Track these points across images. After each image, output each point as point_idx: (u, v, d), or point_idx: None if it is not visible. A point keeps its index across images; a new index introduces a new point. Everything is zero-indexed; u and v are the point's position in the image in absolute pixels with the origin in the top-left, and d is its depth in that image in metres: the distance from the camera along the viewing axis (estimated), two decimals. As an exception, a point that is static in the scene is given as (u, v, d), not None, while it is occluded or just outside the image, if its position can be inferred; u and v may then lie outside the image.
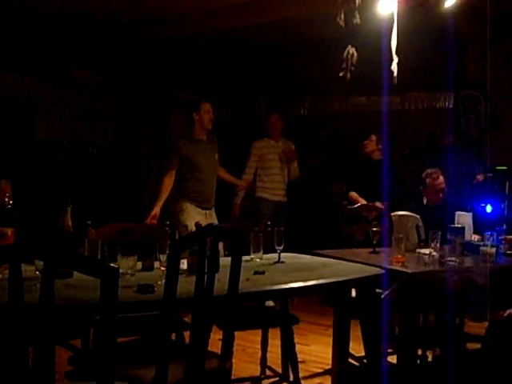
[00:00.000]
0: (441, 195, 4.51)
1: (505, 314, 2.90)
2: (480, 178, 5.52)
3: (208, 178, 5.10)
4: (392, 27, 3.70)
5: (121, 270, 2.55)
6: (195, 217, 4.72)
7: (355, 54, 3.53)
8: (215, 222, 5.00)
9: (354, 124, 6.47)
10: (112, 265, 1.69)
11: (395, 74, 3.71)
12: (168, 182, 4.96)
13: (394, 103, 6.44)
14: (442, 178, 4.51)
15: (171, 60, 6.98)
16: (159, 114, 7.25)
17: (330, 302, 3.95)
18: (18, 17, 5.63)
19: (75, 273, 2.42)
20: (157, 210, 4.84)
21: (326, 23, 4.14)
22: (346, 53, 3.52)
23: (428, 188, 4.52)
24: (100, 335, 1.72)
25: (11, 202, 3.93)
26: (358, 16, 3.52)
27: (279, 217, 5.69)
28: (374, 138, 5.61)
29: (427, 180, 4.51)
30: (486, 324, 4.68)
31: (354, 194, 5.44)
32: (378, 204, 4.90)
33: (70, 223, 2.59)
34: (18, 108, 6.03)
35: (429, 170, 4.58)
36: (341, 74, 3.58)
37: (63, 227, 2.55)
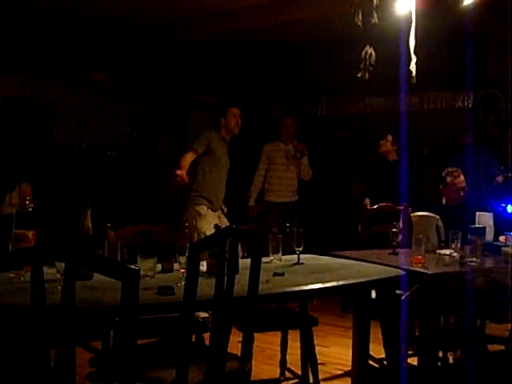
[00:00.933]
0: (462, 193, 4.46)
1: None
2: (500, 179, 5.46)
3: (222, 178, 5.10)
4: (410, 26, 3.67)
5: (140, 272, 2.57)
6: (211, 220, 4.71)
7: (373, 54, 3.51)
8: (227, 222, 5.00)
9: (372, 125, 6.44)
10: (135, 267, 1.69)
11: (414, 73, 3.68)
12: (189, 158, 4.86)
13: (412, 103, 6.41)
14: (462, 177, 4.47)
15: (188, 62, 7.00)
16: (177, 115, 7.27)
17: (350, 304, 3.93)
18: (35, 21, 5.68)
19: (95, 275, 2.44)
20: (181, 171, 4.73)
21: (343, 24, 4.13)
22: (363, 53, 3.50)
23: (448, 187, 4.47)
24: (120, 337, 1.73)
25: (32, 205, 3.96)
26: (375, 16, 3.51)
27: (290, 217, 5.66)
28: (390, 137, 5.59)
29: (448, 178, 4.47)
30: (509, 326, 4.64)
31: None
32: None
33: (90, 225, 2.60)
34: (36, 111, 6.08)
35: (449, 169, 4.54)
36: (359, 75, 3.57)
37: (83, 229, 2.56)
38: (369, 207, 4.50)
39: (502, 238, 3.91)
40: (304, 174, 5.97)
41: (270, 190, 5.86)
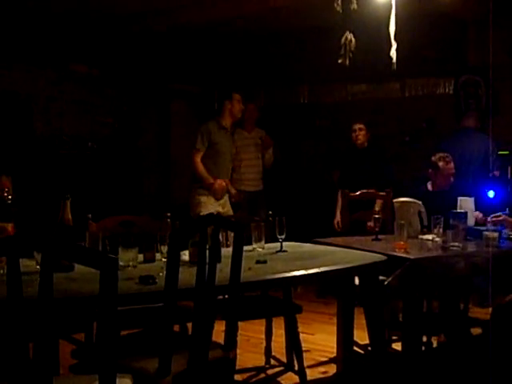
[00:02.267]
0: (452, 179, 4.43)
1: (507, 299, 2.88)
2: (497, 173, 5.45)
3: (226, 167, 5.25)
4: (390, 12, 3.67)
5: (122, 263, 2.56)
6: (212, 209, 4.79)
7: (353, 40, 3.50)
8: (230, 210, 5.14)
9: (354, 112, 6.43)
10: (112, 256, 1.67)
11: (394, 60, 3.68)
12: (200, 162, 5.07)
13: (393, 90, 6.41)
14: (453, 164, 4.42)
15: (169, 52, 6.94)
16: (158, 106, 7.22)
17: (325, 291, 3.94)
18: (14, 12, 5.59)
19: (77, 266, 2.42)
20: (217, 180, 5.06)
21: (324, 10, 4.11)
22: (343, 39, 3.49)
23: (439, 172, 4.40)
24: (102, 327, 1.71)
25: (11, 197, 3.91)
26: (355, 1, 3.50)
27: (257, 206, 5.66)
28: (359, 125, 5.59)
29: (440, 164, 4.38)
30: (491, 309, 4.69)
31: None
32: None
33: (70, 217, 2.57)
34: (15, 103, 6.00)
35: (441, 154, 4.45)
36: (339, 61, 3.56)
37: (63, 221, 2.53)
38: (351, 194, 4.50)
39: (477, 215, 3.94)
40: (267, 163, 5.97)
41: (237, 178, 5.83)
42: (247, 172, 5.85)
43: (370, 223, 3.93)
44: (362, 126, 5.57)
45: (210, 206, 5.00)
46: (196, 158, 5.07)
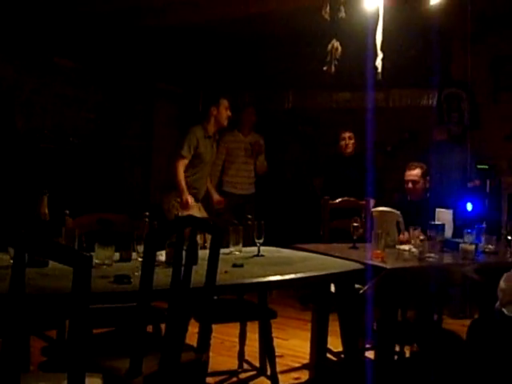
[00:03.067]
0: (410, 186, 4.45)
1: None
2: (477, 182, 5.50)
3: (206, 173, 5.18)
4: (377, 23, 3.69)
5: (98, 261, 2.54)
6: (192, 211, 4.75)
7: (339, 48, 3.52)
8: (205, 214, 5.10)
9: (338, 120, 6.46)
10: (86, 254, 1.66)
11: (379, 69, 3.71)
12: (182, 171, 4.92)
13: (378, 99, 6.44)
14: (417, 171, 4.45)
15: (155, 51, 6.92)
16: (142, 104, 7.19)
17: (308, 298, 3.93)
18: (-1, 3, 5.54)
19: (51, 262, 2.39)
20: (188, 197, 4.92)
21: (311, 16, 4.13)
22: (330, 46, 3.51)
23: (404, 179, 4.51)
24: (73, 325, 1.69)
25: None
26: (343, 10, 3.52)
27: (245, 210, 5.61)
28: (347, 134, 5.61)
29: (406, 170, 4.51)
30: (465, 321, 4.73)
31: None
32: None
33: (47, 211, 2.55)
34: (-3, 95, 5.94)
35: (411, 162, 4.57)
36: (325, 68, 3.58)
37: (39, 215, 2.51)
38: (330, 201, 4.51)
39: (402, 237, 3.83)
40: (259, 170, 5.96)
41: (227, 181, 5.82)
42: (237, 175, 5.84)
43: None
44: (351, 134, 5.60)
45: (191, 208, 4.91)
46: (179, 165, 4.91)
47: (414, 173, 4.45)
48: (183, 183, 4.92)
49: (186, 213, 4.76)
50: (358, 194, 4.77)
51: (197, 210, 4.92)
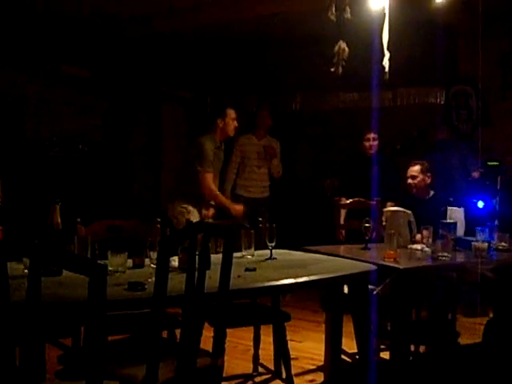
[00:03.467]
0: (409, 181, 4.56)
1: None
2: (476, 174, 5.49)
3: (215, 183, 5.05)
4: (383, 22, 3.68)
5: (111, 268, 2.54)
6: (192, 217, 4.70)
7: (346, 49, 3.52)
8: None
9: (346, 120, 6.45)
10: (101, 262, 1.66)
11: (387, 69, 3.70)
12: (212, 183, 4.76)
13: (385, 99, 6.43)
14: (417, 168, 4.56)
15: (162, 56, 6.94)
16: (149, 110, 7.21)
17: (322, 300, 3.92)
18: (6, 13, 5.57)
19: (65, 271, 2.40)
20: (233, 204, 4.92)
21: (318, 18, 4.13)
22: (337, 48, 3.50)
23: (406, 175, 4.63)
24: (89, 333, 1.70)
25: (0, 200, 3.89)
26: (349, 11, 3.51)
27: (259, 213, 5.56)
28: (372, 135, 5.59)
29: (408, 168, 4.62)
30: (478, 319, 4.70)
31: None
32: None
33: (60, 220, 2.56)
34: (6, 105, 5.97)
35: (413, 160, 4.69)
36: (332, 70, 3.57)
37: (52, 225, 2.52)
38: (343, 202, 4.52)
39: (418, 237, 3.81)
40: (274, 172, 5.94)
41: (241, 184, 5.81)
42: (250, 178, 5.83)
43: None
44: (375, 135, 5.57)
45: (195, 214, 4.79)
46: (209, 182, 4.72)
47: (414, 169, 4.59)
48: (221, 197, 4.88)
49: (191, 217, 4.67)
50: (377, 193, 4.77)
51: (197, 216, 4.82)
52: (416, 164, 4.62)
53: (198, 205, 4.88)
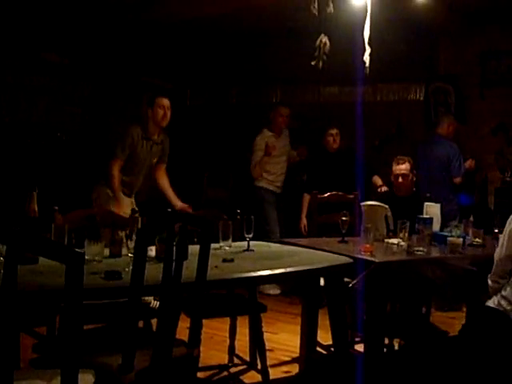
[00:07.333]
0: (400, 180, 4.42)
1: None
2: (457, 180, 5.52)
3: (140, 173, 4.84)
4: (365, 18, 3.70)
5: (88, 257, 2.53)
6: (125, 204, 4.55)
7: (328, 43, 3.53)
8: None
9: (326, 114, 6.47)
10: (79, 250, 1.66)
11: (367, 64, 3.72)
12: (118, 174, 4.61)
13: (366, 94, 6.46)
14: (406, 165, 4.42)
15: (143, 45, 6.88)
16: (130, 99, 7.15)
17: (296, 291, 3.95)
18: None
19: (41, 259, 2.39)
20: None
21: (299, 11, 4.13)
22: (318, 41, 3.51)
23: (392, 172, 4.49)
24: (65, 322, 1.70)
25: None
26: (331, 5, 3.52)
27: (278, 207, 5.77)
28: (334, 130, 5.64)
29: (393, 164, 4.49)
30: (451, 314, 4.78)
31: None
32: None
33: (36, 208, 2.54)
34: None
35: (399, 156, 4.55)
36: (313, 63, 3.58)
37: (28, 212, 2.50)
38: (319, 196, 4.53)
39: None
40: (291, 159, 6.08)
41: (265, 178, 5.83)
42: (274, 173, 5.87)
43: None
44: (337, 131, 5.61)
45: (122, 201, 4.62)
46: (112, 167, 4.60)
47: (404, 167, 4.42)
48: (115, 185, 4.62)
49: (116, 207, 4.50)
50: (344, 189, 4.76)
51: (129, 203, 4.63)
52: (404, 161, 4.44)
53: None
